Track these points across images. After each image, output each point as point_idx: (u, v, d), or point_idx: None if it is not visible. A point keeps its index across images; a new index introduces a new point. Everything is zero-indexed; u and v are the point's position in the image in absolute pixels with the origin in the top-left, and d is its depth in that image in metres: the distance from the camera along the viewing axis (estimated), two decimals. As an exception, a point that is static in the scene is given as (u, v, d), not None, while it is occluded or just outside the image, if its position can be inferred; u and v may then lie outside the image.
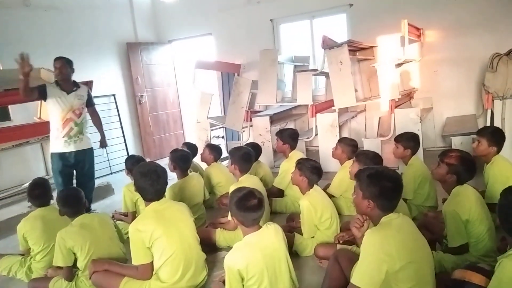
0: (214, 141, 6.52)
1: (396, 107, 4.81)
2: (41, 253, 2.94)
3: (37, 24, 5.73)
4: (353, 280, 1.82)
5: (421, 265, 1.83)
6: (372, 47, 5.83)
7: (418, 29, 5.51)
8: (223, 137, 7.45)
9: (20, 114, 5.05)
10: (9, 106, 5.18)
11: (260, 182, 3.51)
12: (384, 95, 4.92)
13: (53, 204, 3.23)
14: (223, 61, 6.89)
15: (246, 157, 3.37)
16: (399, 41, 5.23)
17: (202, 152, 4.47)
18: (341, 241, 2.70)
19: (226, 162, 4.35)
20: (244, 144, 4.97)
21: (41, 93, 3.76)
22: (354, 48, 5.48)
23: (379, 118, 5.64)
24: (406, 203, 3.05)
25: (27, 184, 4.75)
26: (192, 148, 4.57)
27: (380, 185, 1.92)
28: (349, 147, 3.77)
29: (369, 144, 4.72)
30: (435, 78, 5.78)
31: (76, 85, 3.96)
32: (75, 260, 2.65)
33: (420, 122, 4.75)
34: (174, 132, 7.93)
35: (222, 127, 6.53)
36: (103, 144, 4.45)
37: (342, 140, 3.93)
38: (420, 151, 4.06)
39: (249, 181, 3.24)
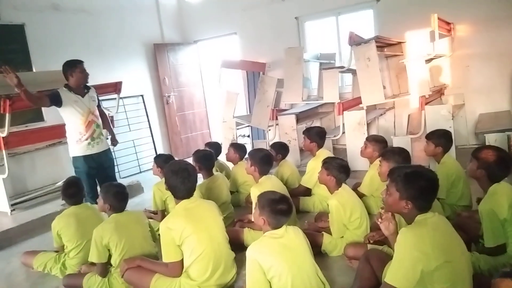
0: (240, 140, 6.55)
1: (426, 103, 4.69)
2: (74, 250, 3.02)
3: (66, 27, 5.89)
4: (387, 279, 1.78)
5: (457, 265, 1.78)
6: (400, 42, 5.70)
7: (448, 23, 5.35)
8: (248, 136, 7.46)
9: (53, 114, 5.17)
10: (43, 108, 5.34)
11: (280, 182, 3.48)
12: (413, 91, 4.80)
13: (86, 202, 3.33)
14: (248, 60, 6.90)
15: (266, 159, 3.34)
16: (428, 36, 5.11)
17: (227, 151, 4.49)
18: (371, 241, 2.66)
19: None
20: (271, 142, 4.96)
21: (54, 101, 3.65)
22: (382, 44, 5.38)
23: (409, 115, 5.52)
24: (439, 202, 2.96)
25: (60, 183, 4.93)
26: (215, 147, 4.59)
27: (419, 185, 1.87)
28: (380, 144, 3.70)
29: (398, 141, 4.62)
30: (466, 74, 5.60)
31: (86, 87, 3.89)
32: (109, 257, 2.72)
33: (452, 119, 4.61)
34: (201, 131, 8.00)
35: (248, 126, 6.54)
36: (114, 141, 4.35)
37: (371, 138, 3.86)
38: (452, 149, 3.94)
39: (270, 182, 3.24)
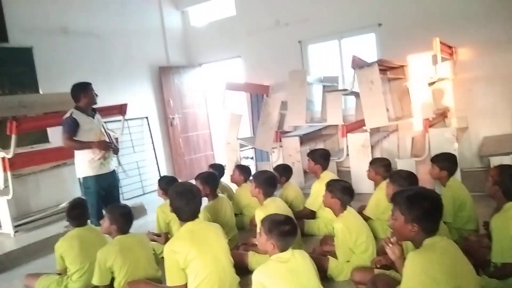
0: (244, 162, 6.55)
1: (430, 126, 4.70)
2: (77, 273, 2.97)
3: (74, 50, 5.99)
4: (396, 304, 1.76)
5: (468, 291, 1.75)
6: (402, 66, 5.77)
7: (450, 47, 5.42)
8: (252, 158, 7.47)
9: (58, 136, 5.20)
10: (48, 129, 5.40)
11: (285, 204, 3.46)
12: (417, 114, 4.82)
13: (90, 224, 3.31)
14: (252, 82, 6.97)
15: (270, 181, 3.32)
16: (430, 60, 5.17)
17: (232, 173, 4.49)
18: (378, 266, 2.62)
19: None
20: (274, 165, 4.96)
21: (75, 131, 3.74)
22: (385, 68, 5.43)
23: (412, 138, 5.52)
24: (446, 226, 2.93)
25: (63, 205, 4.92)
26: (219, 169, 4.60)
27: (422, 207, 1.86)
28: (382, 167, 3.70)
29: (403, 164, 4.61)
30: (469, 97, 5.63)
31: (93, 109, 3.97)
32: (112, 280, 2.68)
33: (456, 141, 4.61)
34: (204, 153, 8.02)
35: (252, 148, 6.56)
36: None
37: (373, 162, 3.87)
38: (458, 172, 3.93)
39: (275, 204, 3.22)
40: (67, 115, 3.78)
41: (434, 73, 5.06)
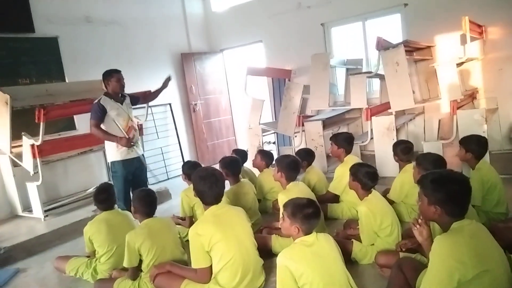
0: (266, 147, 6.54)
1: (458, 108, 4.56)
2: (105, 255, 3.06)
3: (98, 38, 6.07)
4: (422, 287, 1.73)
5: (496, 274, 1.70)
6: (429, 46, 5.59)
7: (479, 26, 5.21)
8: (274, 143, 7.45)
9: (85, 123, 5.34)
10: (75, 116, 5.52)
11: (308, 189, 3.45)
12: (444, 96, 4.68)
13: (117, 208, 3.40)
14: (274, 67, 6.91)
15: (293, 165, 3.30)
16: (458, 40, 4.99)
17: (254, 158, 4.49)
18: (403, 249, 2.59)
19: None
20: (296, 149, 4.93)
21: (102, 118, 3.86)
22: (411, 49, 5.28)
23: (439, 120, 5.38)
24: (475, 210, 2.86)
25: (91, 190, 5.06)
26: (242, 154, 4.60)
27: (446, 190, 1.82)
28: (401, 150, 3.69)
29: (429, 147, 4.50)
30: (499, 77, 5.41)
31: (122, 96, 4.04)
32: (140, 262, 2.75)
33: (485, 123, 4.46)
34: (227, 138, 8.05)
35: (274, 132, 6.53)
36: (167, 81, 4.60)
37: (394, 145, 3.84)
38: (486, 154, 3.81)
39: (297, 188, 3.21)
40: (95, 101, 3.90)
41: (462, 53, 4.88)
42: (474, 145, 3.20)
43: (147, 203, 2.89)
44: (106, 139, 3.92)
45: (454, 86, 4.60)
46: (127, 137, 3.88)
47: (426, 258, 2.04)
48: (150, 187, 4.25)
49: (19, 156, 4.60)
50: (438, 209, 1.82)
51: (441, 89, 4.79)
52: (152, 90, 4.77)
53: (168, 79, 4.55)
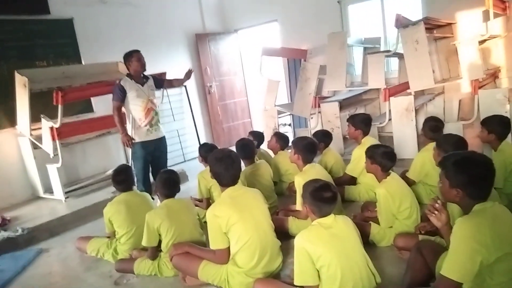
0: (281, 129, 6.51)
1: (479, 88, 4.44)
2: (125, 236, 3.12)
3: (113, 20, 6.05)
4: (443, 272, 1.70)
5: (520, 257, 1.67)
6: (450, 24, 5.40)
7: (503, 1, 5.00)
8: (290, 125, 7.41)
9: (102, 105, 5.40)
10: (92, 99, 5.56)
11: (325, 171, 3.42)
12: (465, 75, 4.55)
13: (135, 189, 3.44)
14: (289, 47, 6.80)
15: (310, 147, 3.28)
16: (481, 16, 4.81)
17: (270, 140, 4.48)
18: (422, 232, 2.56)
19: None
20: (313, 131, 4.88)
21: (122, 99, 3.93)
22: (431, 26, 5.11)
23: (460, 100, 5.25)
24: (497, 192, 2.80)
25: (109, 171, 5.13)
26: (259, 136, 4.59)
27: (468, 172, 1.77)
28: (429, 127, 3.62)
29: (449, 128, 4.40)
30: (524, 55, 5.22)
31: (145, 77, 4.07)
32: (159, 243, 2.80)
33: (508, 103, 4.33)
34: (242, 120, 8.03)
35: (290, 114, 6.48)
36: (189, 72, 4.60)
37: (424, 121, 3.77)
38: (509, 135, 3.72)
39: (314, 170, 3.19)
40: (117, 81, 3.98)
41: (485, 30, 4.71)
42: (497, 126, 3.12)
43: (169, 185, 2.93)
44: (118, 125, 3.98)
45: (475, 65, 4.47)
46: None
47: (446, 242, 2.01)
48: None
49: (39, 138, 4.67)
50: (460, 192, 1.78)
51: (462, 68, 4.66)
52: (168, 73, 4.77)
53: (189, 72, 4.54)
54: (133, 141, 4.00)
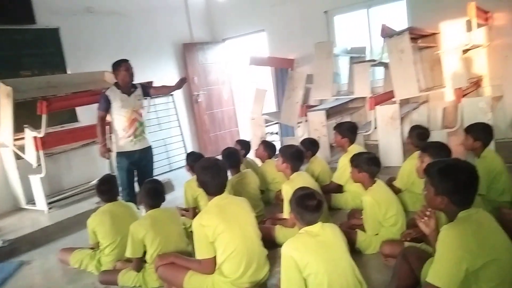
0: (269, 137, 6.51)
1: (463, 96, 4.51)
2: (109, 247, 3.07)
3: (99, 29, 6.02)
4: (429, 279, 1.70)
5: (505, 263, 1.68)
6: (434, 33, 5.51)
7: (486, 12, 5.12)
8: (277, 133, 7.42)
9: (86, 115, 5.34)
10: (77, 108, 5.50)
11: (312, 179, 3.42)
12: (449, 84, 4.63)
13: (120, 200, 3.39)
14: (277, 56, 6.84)
15: (297, 155, 3.28)
16: (464, 26, 4.92)
17: (257, 148, 4.47)
18: (408, 239, 2.57)
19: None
20: (300, 139, 4.89)
21: (107, 109, 3.89)
22: (415, 36, 5.20)
23: (444, 108, 5.33)
24: (480, 198, 2.82)
25: (94, 182, 5.05)
26: (246, 145, 4.58)
27: (453, 179, 1.78)
28: (416, 135, 3.66)
29: (434, 136, 4.40)
30: (505, 64, 5.33)
31: (133, 86, 4.02)
32: (144, 253, 2.75)
33: (491, 111, 4.40)
34: (229, 129, 8.02)
35: (277, 123, 6.50)
36: (182, 81, 4.35)
37: (411, 129, 3.81)
38: (492, 142, 3.77)
39: (301, 178, 3.18)
40: (103, 91, 3.93)
41: (468, 40, 4.81)
42: (482, 133, 3.16)
43: (153, 195, 2.90)
44: (99, 135, 3.94)
45: (459, 73, 4.55)
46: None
47: (432, 248, 2.01)
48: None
49: (22, 148, 4.59)
50: (445, 199, 1.79)
51: (445, 77, 4.74)
52: (154, 82, 4.73)
53: (182, 80, 4.35)
54: (110, 152, 3.97)
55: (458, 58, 4.61)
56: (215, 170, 2.50)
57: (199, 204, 3.63)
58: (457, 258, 1.65)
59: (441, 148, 2.94)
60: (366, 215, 2.81)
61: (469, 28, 4.63)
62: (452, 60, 4.61)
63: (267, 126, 6.10)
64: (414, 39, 5.11)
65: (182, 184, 3.77)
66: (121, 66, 3.88)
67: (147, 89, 4.20)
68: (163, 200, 2.97)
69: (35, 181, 4.63)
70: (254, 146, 4.95)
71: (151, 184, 2.96)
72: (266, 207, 3.94)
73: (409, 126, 5.35)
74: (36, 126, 4.43)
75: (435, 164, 1.89)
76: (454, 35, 5.30)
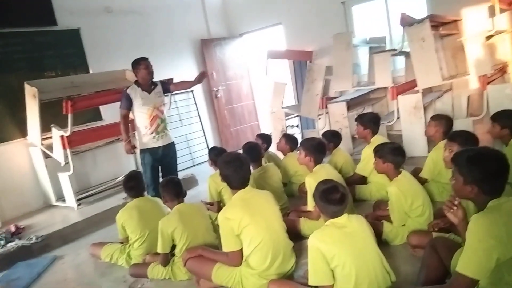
0: (289, 131, 6.50)
1: (488, 83, 4.41)
2: (138, 241, 3.14)
3: (119, 28, 6.12)
4: (459, 269, 1.68)
5: (536, 253, 1.65)
6: (456, 20, 5.38)
7: (509, -4, 4.97)
8: (298, 126, 7.41)
9: (111, 113, 5.45)
10: (100, 107, 5.62)
11: (335, 171, 3.42)
12: (473, 71, 4.53)
13: (147, 195, 3.46)
14: (295, 49, 6.81)
15: (319, 147, 3.27)
16: (486, 12, 4.80)
17: (278, 141, 4.48)
18: (436, 229, 2.54)
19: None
20: (321, 132, 4.88)
21: (129, 107, 3.97)
22: (436, 23, 5.09)
23: (468, 96, 5.22)
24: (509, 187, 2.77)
25: (120, 178, 5.17)
26: (266, 139, 4.59)
27: (483, 168, 1.74)
28: (444, 124, 3.53)
29: (459, 124, 4.38)
30: (531, 49, 5.18)
31: (153, 83, 4.08)
32: (173, 247, 2.81)
33: (517, 98, 4.30)
34: (250, 123, 8.05)
35: (297, 116, 6.48)
36: (202, 75, 4.29)
37: (435, 118, 3.67)
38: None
39: (324, 170, 3.18)
40: (124, 89, 4.00)
41: (491, 25, 4.69)
42: (509, 120, 3.09)
43: (171, 188, 2.96)
44: (122, 133, 4.02)
45: (483, 60, 4.45)
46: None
47: (461, 238, 1.99)
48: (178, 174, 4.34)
49: (50, 147, 4.73)
50: (474, 188, 1.76)
51: (469, 64, 4.65)
52: (174, 79, 4.79)
53: (202, 74, 4.28)
54: (135, 149, 4.04)
55: (481, 44, 4.50)
56: (237, 164, 2.53)
57: (223, 198, 3.67)
58: (487, 247, 1.63)
59: (468, 137, 2.89)
60: (392, 206, 2.80)
61: (492, 13, 4.51)
62: (475, 47, 4.51)
63: (287, 119, 6.10)
64: (435, 26, 5.00)
65: (205, 179, 3.82)
66: (141, 64, 3.94)
67: (167, 86, 4.25)
68: (185, 193, 3.03)
69: (64, 178, 4.77)
70: (275, 139, 4.96)
71: (166, 181, 3.05)
72: (290, 199, 3.95)
73: (432, 115, 5.32)
74: (62, 125, 4.56)
75: (464, 153, 1.86)
76: (477, 21, 5.17)
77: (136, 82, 4.00)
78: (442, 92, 5.54)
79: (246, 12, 7.61)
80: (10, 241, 3.96)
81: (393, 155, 2.84)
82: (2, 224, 4.42)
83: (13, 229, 4.18)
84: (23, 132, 4.96)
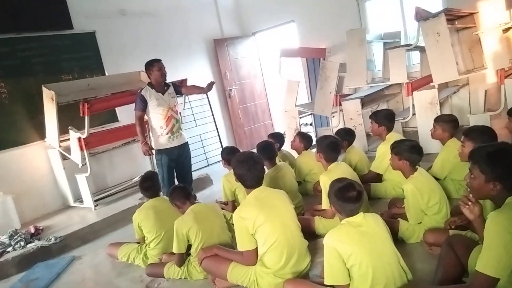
0: (303, 129, 6.48)
1: (506, 77, 4.31)
2: (154, 241, 3.18)
3: (133, 30, 6.19)
4: (478, 268, 1.66)
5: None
6: (472, 13, 5.27)
7: (527, -13, 4.85)
8: (311, 124, 7.37)
9: (126, 114, 5.51)
10: (116, 108, 5.70)
11: (350, 169, 3.39)
12: (490, 65, 4.43)
13: (163, 196, 3.49)
14: (308, 46, 6.78)
15: (332, 146, 3.26)
16: (503, 4, 4.69)
17: (293, 140, 4.47)
18: (453, 227, 2.51)
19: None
20: (335, 129, 4.85)
21: (144, 109, 4.02)
22: (452, 17, 5.00)
23: (485, 91, 5.11)
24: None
25: (136, 178, 5.24)
26: (279, 138, 4.57)
27: (506, 164, 1.71)
28: (449, 123, 3.48)
29: (476, 120, 4.31)
30: (551, 41, 5.04)
31: (166, 84, 4.12)
32: (188, 247, 2.84)
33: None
34: (263, 122, 8.05)
35: (311, 114, 6.45)
36: (210, 85, 4.38)
37: (438, 119, 3.63)
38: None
39: (339, 169, 3.17)
40: (138, 91, 4.04)
41: (508, 18, 4.58)
42: None
43: (178, 193, 2.99)
44: (139, 134, 4.06)
45: (500, 54, 4.36)
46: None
47: (478, 235, 1.96)
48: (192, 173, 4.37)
49: (68, 149, 4.81)
50: (498, 185, 1.72)
51: (486, 58, 4.55)
52: (188, 79, 4.82)
53: (210, 84, 4.39)
54: (152, 150, 4.08)
55: (498, 37, 4.40)
56: (251, 163, 2.54)
57: (237, 197, 3.68)
58: (506, 244, 1.60)
59: (484, 132, 2.83)
60: (408, 204, 2.76)
61: (509, 5, 4.41)
62: (492, 40, 4.41)
63: (301, 117, 6.07)
64: (450, 20, 4.92)
65: (220, 179, 3.83)
66: (154, 66, 3.99)
67: (179, 88, 4.31)
68: (194, 195, 3.05)
69: (82, 179, 4.85)
70: (289, 138, 4.95)
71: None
72: (304, 198, 3.93)
73: (449, 111, 5.25)
74: (79, 127, 4.63)
75: (482, 149, 1.81)
76: (494, 13, 5.05)
77: (149, 84, 4.05)
78: (458, 87, 5.44)
79: (259, 11, 7.61)
80: (30, 242, 4.05)
81: (410, 152, 2.80)
82: (21, 226, 4.52)
83: (32, 230, 4.26)
84: (41, 135, 5.05)
